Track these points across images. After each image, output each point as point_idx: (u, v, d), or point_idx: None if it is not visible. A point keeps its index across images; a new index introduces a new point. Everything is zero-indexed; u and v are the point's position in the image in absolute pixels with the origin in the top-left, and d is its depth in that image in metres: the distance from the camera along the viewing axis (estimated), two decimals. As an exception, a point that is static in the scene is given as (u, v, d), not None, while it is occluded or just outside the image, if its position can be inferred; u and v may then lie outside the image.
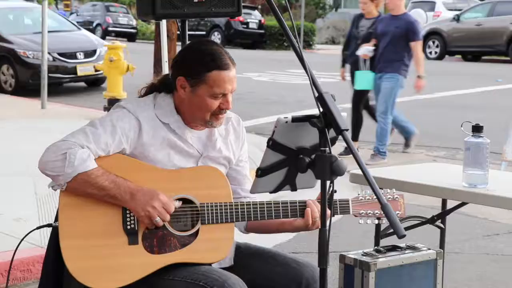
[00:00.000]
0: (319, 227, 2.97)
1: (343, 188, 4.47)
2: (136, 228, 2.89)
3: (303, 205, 3.00)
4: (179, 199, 2.94)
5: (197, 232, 2.93)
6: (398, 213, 3.09)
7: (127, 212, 2.90)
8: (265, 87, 16.84)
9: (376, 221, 3.09)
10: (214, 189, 2.98)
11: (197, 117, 3.04)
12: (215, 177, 3.01)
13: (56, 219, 2.96)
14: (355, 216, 3.07)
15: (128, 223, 2.89)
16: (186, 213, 2.94)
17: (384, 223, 3.14)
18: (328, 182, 2.44)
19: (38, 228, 3.26)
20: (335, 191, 2.53)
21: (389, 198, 3.12)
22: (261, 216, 2.97)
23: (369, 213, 3.06)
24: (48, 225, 3.15)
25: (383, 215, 2.97)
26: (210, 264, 2.99)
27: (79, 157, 2.83)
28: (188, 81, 2.99)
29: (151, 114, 3.02)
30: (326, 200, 2.44)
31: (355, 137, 9.52)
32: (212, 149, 3.10)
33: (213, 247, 2.94)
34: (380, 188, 2.49)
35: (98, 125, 2.94)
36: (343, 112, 2.47)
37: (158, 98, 3.08)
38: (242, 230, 3.21)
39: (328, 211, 2.46)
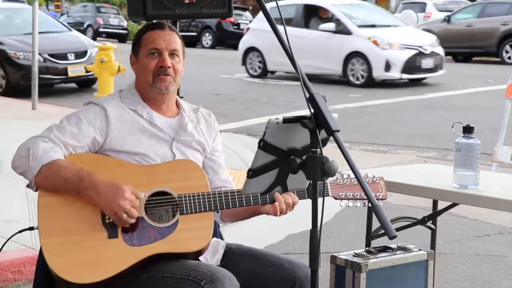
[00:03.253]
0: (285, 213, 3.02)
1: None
2: (115, 222, 2.90)
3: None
4: (156, 193, 2.95)
5: (176, 223, 2.93)
6: (379, 195, 3.10)
7: None
8: (256, 88, 16.84)
9: (358, 204, 3.08)
10: (191, 180, 2.99)
11: (144, 83, 3.10)
12: (191, 169, 3.03)
13: None
14: (335, 198, 3.07)
15: (107, 217, 2.90)
16: (165, 205, 2.95)
17: (366, 206, 3.13)
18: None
19: (20, 231, 3.26)
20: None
21: (369, 180, 3.12)
22: (239, 203, 2.98)
23: (349, 195, 3.06)
24: (30, 228, 3.15)
25: (365, 197, 3.00)
26: (197, 260, 3.00)
27: (42, 149, 2.88)
28: (134, 54, 3.14)
29: (117, 102, 3.09)
30: (317, 201, 2.44)
31: None
32: (183, 132, 3.13)
33: (193, 236, 2.94)
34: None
35: (64, 120, 3.03)
36: (334, 113, 2.47)
37: (123, 91, 3.17)
38: (219, 221, 3.23)
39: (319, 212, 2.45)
